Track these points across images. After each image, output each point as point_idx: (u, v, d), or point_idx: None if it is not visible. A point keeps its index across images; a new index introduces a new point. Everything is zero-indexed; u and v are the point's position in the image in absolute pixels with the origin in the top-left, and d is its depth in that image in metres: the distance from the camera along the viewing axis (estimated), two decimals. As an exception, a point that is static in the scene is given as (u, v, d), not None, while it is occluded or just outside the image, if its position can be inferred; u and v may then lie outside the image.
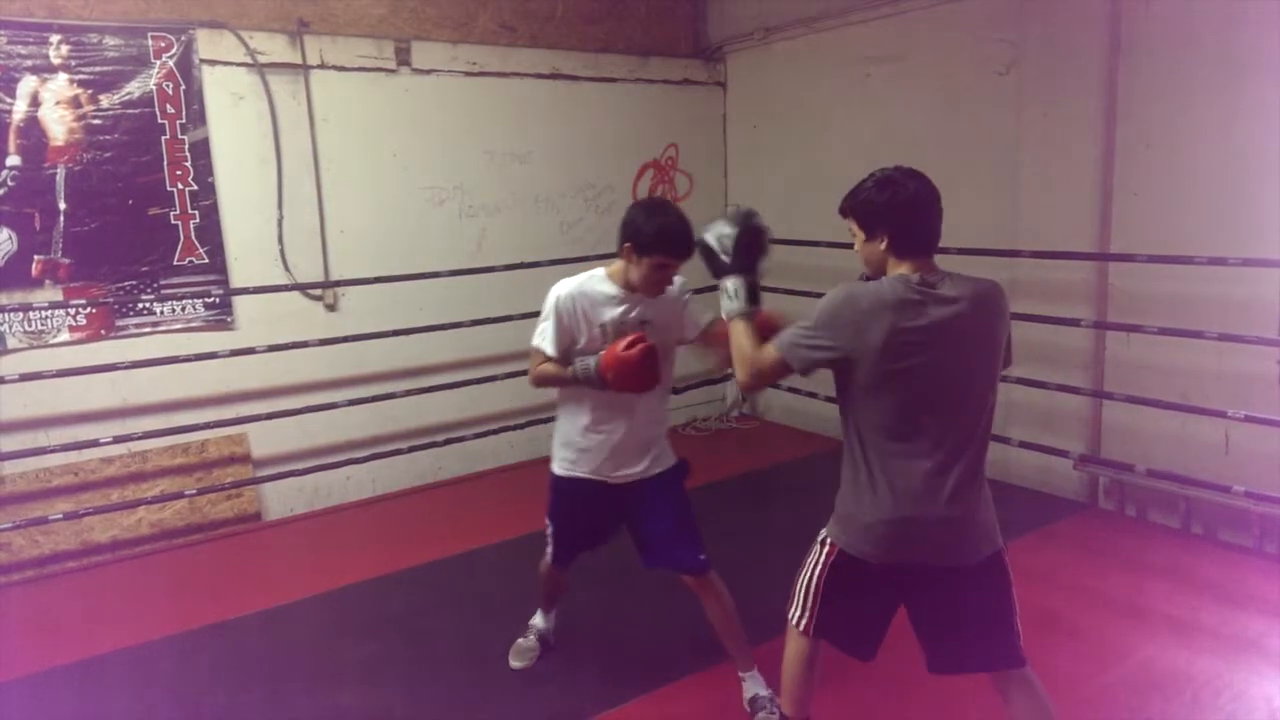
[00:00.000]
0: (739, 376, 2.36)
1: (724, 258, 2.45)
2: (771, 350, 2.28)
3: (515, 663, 3.46)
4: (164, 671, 3.59)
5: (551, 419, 6.05)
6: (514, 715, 3.21)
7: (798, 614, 2.45)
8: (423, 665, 3.55)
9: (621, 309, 2.91)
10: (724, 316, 2.45)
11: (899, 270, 2.23)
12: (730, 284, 2.43)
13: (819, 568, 2.39)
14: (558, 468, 3.11)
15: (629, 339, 2.78)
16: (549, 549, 3.23)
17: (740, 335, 2.37)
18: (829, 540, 2.38)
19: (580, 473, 3.04)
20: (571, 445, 3.05)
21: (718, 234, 2.48)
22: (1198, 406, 4.26)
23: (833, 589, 2.37)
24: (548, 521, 3.21)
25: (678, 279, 2.94)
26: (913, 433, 2.20)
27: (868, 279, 2.33)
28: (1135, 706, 3.10)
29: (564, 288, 2.95)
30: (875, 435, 2.23)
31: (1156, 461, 4.50)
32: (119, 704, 3.37)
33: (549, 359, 2.95)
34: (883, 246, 2.25)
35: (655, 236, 2.77)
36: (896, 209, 2.23)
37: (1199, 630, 3.55)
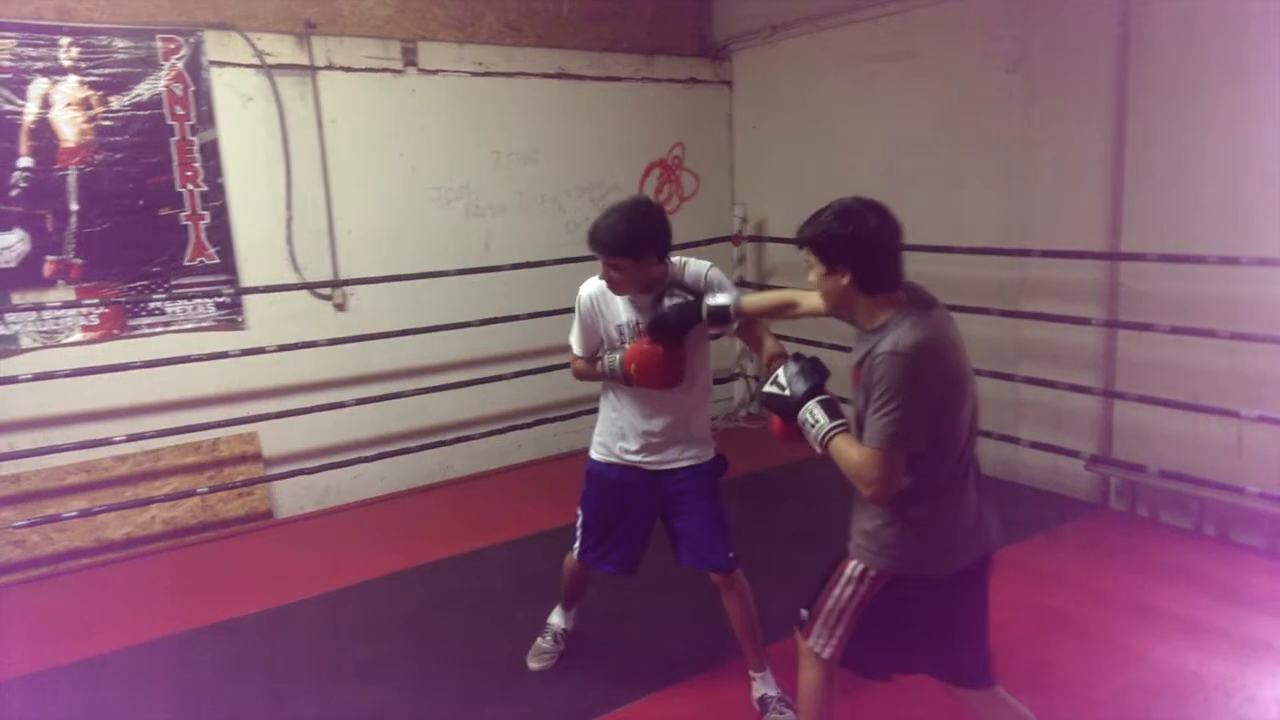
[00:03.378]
0: (865, 494, 2.17)
1: (786, 394, 2.34)
2: (873, 453, 2.10)
3: (533, 664, 3.46)
4: (176, 667, 3.62)
5: (558, 418, 6.11)
6: (524, 713, 3.22)
7: (822, 642, 2.35)
8: (432, 663, 3.56)
9: (628, 310, 2.95)
10: (819, 449, 2.28)
11: (882, 309, 2.17)
12: (804, 414, 2.29)
13: (859, 598, 2.29)
14: (595, 454, 3.17)
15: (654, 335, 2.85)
16: (576, 541, 3.24)
17: (842, 452, 2.19)
18: (871, 570, 2.26)
19: (616, 459, 3.09)
20: (609, 433, 3.11)
21: (773, 382, 2.40)
22: (1210, 406, 4.23)
23: (874, 615, 2.29)
24: (579, 511, 3.23)
25: (702, 265, 2.95)
26: (958, 447, 2.19)
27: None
28: (1147, 708, 3.09)
29: (586, 289, 3.05)
30: (932, 463, 2.16)
31: (1168, 462, 4.48)
32: (129, 700, 3.40)
33: (579, 357, 3.10)
34: (845, 281, 2.18)
35: (590, 233, 2.86)
36: (862, 244, 2.16)
37: (1211, 632, 3.53)
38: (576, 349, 3.11)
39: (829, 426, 2.23)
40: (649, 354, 2.82)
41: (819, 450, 2.27)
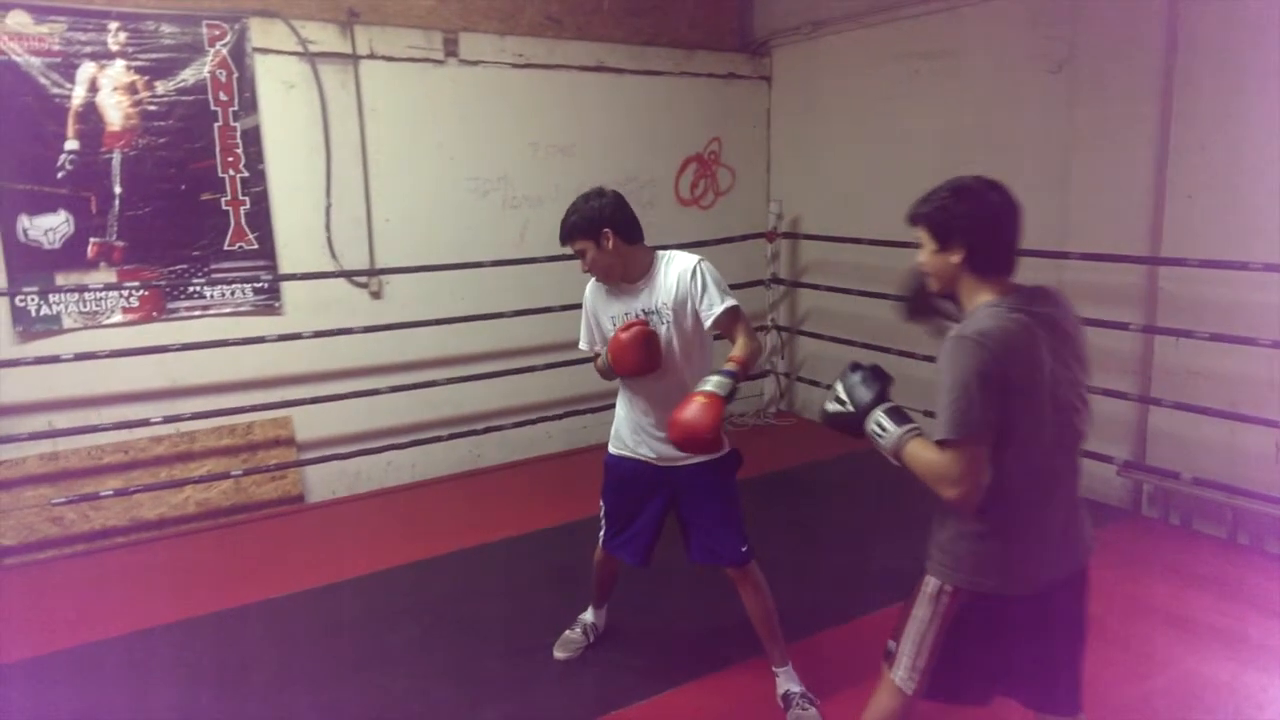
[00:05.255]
0: (949, 496, 1.99)
1: (850, 409, 2.21)
2: (955, 453, 1.95)
3: (560, 654, 3.49)
4: (210, 648, 3.67)
5: (588, 410, 6.15)
6: (547, 702, 3.24)
7: (905, 674, 2.19)
8: (460, 650, 3.59)
9: (617, 301, 3.06)
10: (893, 459, 2.14)
11: (983, 293, 2.08)
12: (871, 425, 2.16)
13: (939, 619, 2.14)
14: (611, 447, 3.25)
15: (627, 324, 2.95)
16: (601, 531, 3.30)
17: (917, 456, 2.05)
18: (947, 586, 2.12)
19: (629, 453, 3.15)
20: (624, 427, 3.18)
21: (834, 398, 2.26)
22: (1248, 415, 4.18)
23: (957, 639, 2.13)
24: (601, 503, 3.29)
25: (690, 259, 2.98)
26: (1033, 458, 2.04)
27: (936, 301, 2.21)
28: (1176, 716, 3.06)
29: (588, 286, 3.17)
30: (1008, 468, 2.02)
31: (1203, 470, 4.43)
32: (165, 677, 3.45)
33: (587, 354, 3.22)
34: (955, 260, 2.07)
35: None
36: (977, 221, 2.06)
37: (1244, 642, 3.49)
38: (582, 343, 3.25)
39: (899, 433, 2.09)
40: (619, 341, 2.91)
41: (894, 462, 2.12)
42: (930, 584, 2.16)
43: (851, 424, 2.21)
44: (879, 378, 2.22)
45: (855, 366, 2.27)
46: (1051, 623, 2.16)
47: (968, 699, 2.26)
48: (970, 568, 2.09)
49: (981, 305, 2.06)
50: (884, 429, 2.12)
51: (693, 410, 2.65)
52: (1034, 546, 2.08)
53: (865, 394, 2.19)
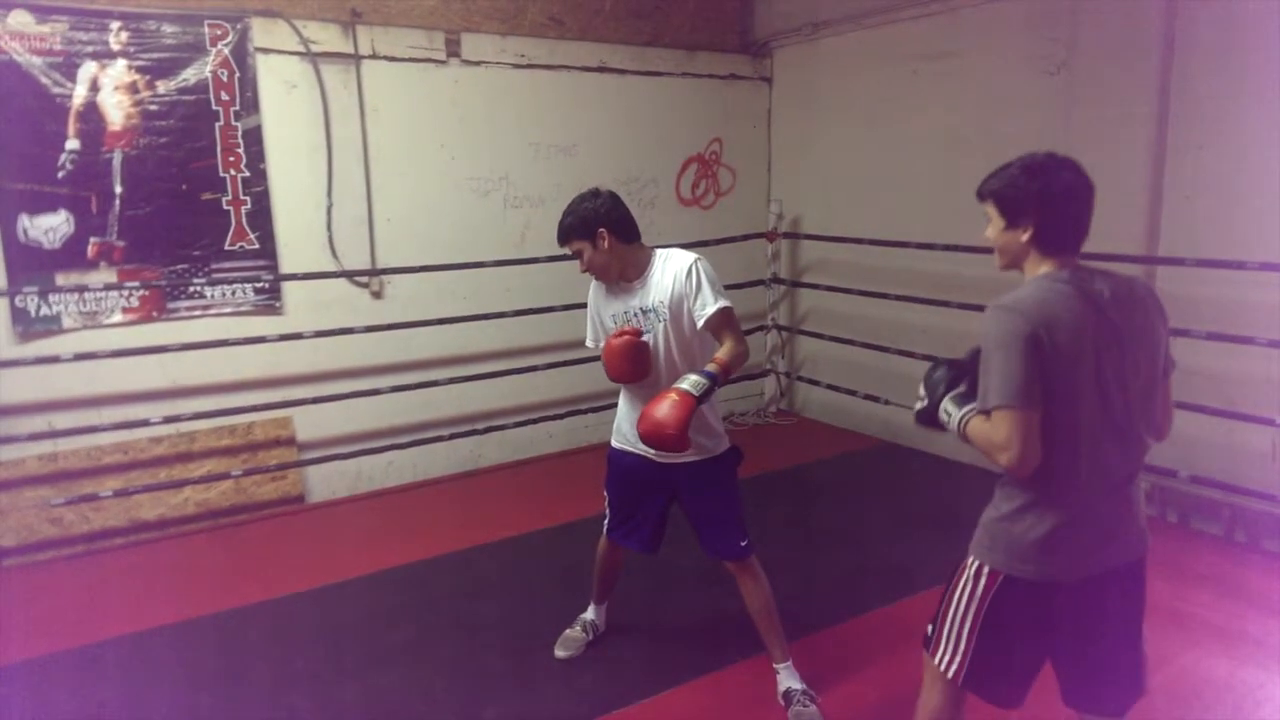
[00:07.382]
0: (1003, 462, 1.96)
1: (929, 403, 2.21)
2: (999, 418, 1.94)
3: (560, 652, 3.49)
4: (210, 648, 3.67)
5: (589, 410, 6.16)
6: (549, 700, 3.24)
7: (948, 658, 2.14)
8: (462, 649, 3.60)
9: (616, 299, 3.08)
10: (961, 437, 2.12)
11: (1043, 268, 2.05)
12: (942, 415, 2.16)
13: (977, 601, 2.09)
14: (613, 441, 3.28)
15: (619, 331, 2.96)
16: (605, 520, 3.32)
17: (975, 430, 2.04)
18: (986, 567, 2.08)
19: (629, 448, 3.18)
20: (625, 422, 3.20)
21: (917, 396, 2.26)
22: (1245, 413, 4.19)
23: (996, 624, 2.08)
24: (605, 493, 3.32)
25: (687, 257, 2.99)
26: (1079, 431, 1.99)
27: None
28: (1174, 714, 3.07)
29: (592, 284, 3.18)
30: (1046, 442, 1.96)
31: (1201, 468, 4.44)
32: (165, 677, 3.46)
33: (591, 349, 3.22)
34: (1025, 237, 2.05)
35: None
36: (1048, 198, 2.04)
37: (1241, 639, 3.50)
38: (588, 340, 3.26)
39: (960, 413, 2.08)
40: (609, 347, 2.94)
41: (969, 444, 2.09)
42: (971, 563, 2.12)
43: (930, 415, 2.21)
44: (952, 367, 2.21)
45: (935, 364, 2.27)
46: (1099, 615, 2.11)
47: (1004, 698, 2.16)
48: (1006, 549, 2.06)
49: (1032, 278, 2.05)
50: (949, 414, 2.13)
51: (662, 407, 2.68)
52: (1076, 532, 2.02)
53: (938, 384, 2.20)
